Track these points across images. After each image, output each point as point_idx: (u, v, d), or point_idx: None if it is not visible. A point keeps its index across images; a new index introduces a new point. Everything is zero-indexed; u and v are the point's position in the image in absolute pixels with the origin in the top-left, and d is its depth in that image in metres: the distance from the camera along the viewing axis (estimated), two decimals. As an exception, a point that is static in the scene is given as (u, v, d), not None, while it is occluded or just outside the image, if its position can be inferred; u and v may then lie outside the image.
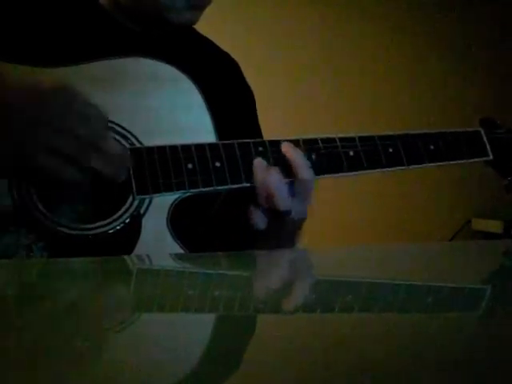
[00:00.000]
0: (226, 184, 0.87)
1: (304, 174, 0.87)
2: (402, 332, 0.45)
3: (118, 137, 0.86)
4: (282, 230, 0.90)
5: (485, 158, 0.99)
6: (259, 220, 0.86)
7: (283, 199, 0.85)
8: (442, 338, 0.43)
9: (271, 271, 0.78)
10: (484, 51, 2.91)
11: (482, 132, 0.99)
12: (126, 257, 0.82)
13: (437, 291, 0.61)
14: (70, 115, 0.80)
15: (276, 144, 0.90)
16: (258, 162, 0.87)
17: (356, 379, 0.34)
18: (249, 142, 0.89)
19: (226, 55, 1.12)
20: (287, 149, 0.88)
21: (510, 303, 0.56)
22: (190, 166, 0.86)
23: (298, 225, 0.93)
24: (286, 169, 0.88)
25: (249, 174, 0.88)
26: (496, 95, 2.84)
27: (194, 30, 1.07)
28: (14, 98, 0.80)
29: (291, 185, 0.87)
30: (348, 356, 0.38)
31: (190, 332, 0.45)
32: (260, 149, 0.89)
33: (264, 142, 0.90)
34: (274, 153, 0.89)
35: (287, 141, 0.89)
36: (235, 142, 0.89)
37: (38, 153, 0.79)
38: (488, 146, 0.99)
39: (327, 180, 0.91)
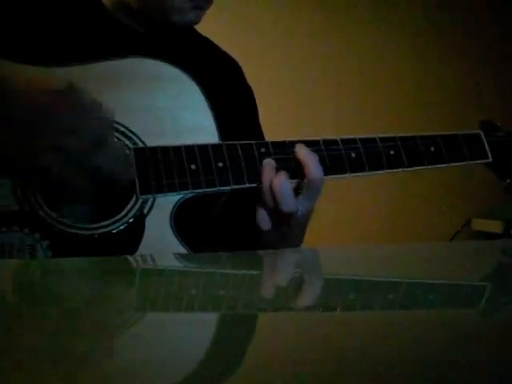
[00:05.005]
0: (229, 185, 0.88)
1: (315, 174, 0.88)
2: (402, 330, 0.45)
3: (121, 136, 0.86)
4: (287, 229, 0.91)
5: (484, 161, 1.00)
6: (263, 220, 0.88)
7: (288, 201, 0.86)
8: (441, 336, 0.43)
9: (276, 271, 0.78)
10: (487, 53, 2.91)
11: (482, 135, 1.00)
12: (128, 256, 0.82)
13: (437, 289, 0.61)
14: (74, 115, 0.81)
15: (280, 145, 0.90)
16: (267, 163, 0.88)
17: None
18: (251, 143, 0.90)
19: (228, 56, 1.12)
20: (300, 149, 0.89)
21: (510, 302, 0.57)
22: (193, 166, 0.86)
23: (303, 224, 0.94)
24: (296, 169, 0.89)
25: (252, 175, 0.88)
26: (502, 97, 2.84)
27: (196, 30, 1.08)
28: (18, 98, 0.80)
29: (298, 185, 0.88)
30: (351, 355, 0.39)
31: (193, 332, 0.45)
32: (262, 150, 0.90)
33: (267, 143, 0.91)
34: (281, 154, 0.90)
35: (300, 141, 0.90)
36: (238, 143, 0.89)
37: (40, 153, 0.79)
38: (488, 149, 0.99)
39: (327, 180, 0.91)
